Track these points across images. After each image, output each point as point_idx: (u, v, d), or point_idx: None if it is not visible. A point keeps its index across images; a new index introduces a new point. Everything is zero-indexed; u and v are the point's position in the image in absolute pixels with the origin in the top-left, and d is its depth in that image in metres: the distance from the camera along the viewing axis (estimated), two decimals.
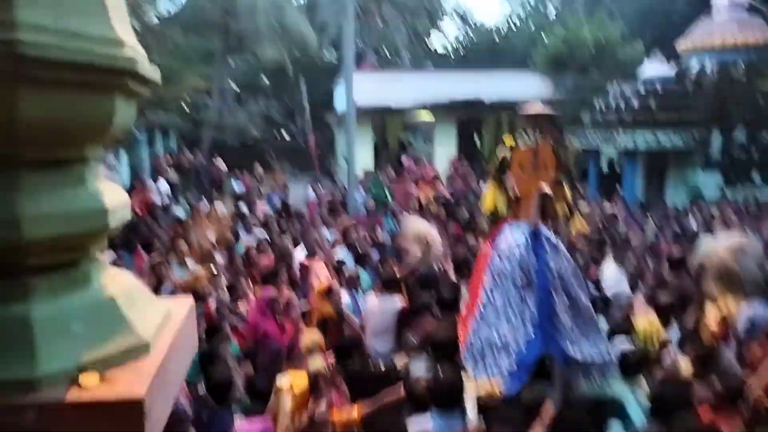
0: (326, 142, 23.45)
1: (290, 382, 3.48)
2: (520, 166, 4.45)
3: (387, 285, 6.06)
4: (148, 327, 1.45)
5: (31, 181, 1.26)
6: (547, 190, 4.36)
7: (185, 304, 1.76)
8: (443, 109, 17.74)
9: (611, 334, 4.69)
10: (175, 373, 1.51)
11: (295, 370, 4.01)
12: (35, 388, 1.20)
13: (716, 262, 5.21)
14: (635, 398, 3.85)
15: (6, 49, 1.11)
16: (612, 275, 6.62)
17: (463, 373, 3.86)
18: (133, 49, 1.36)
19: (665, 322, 5.05)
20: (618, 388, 3.93)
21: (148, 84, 1.45)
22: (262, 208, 13.01)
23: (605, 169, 14.67)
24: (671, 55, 13.53)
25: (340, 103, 20.11)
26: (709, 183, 11.92)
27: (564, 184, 4.67)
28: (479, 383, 3.86)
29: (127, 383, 1.26)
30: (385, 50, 27.04)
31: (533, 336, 3.87)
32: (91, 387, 1.23)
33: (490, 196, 4.75)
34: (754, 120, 11.78)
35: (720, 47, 12.39)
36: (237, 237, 8.61)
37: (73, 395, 1.20)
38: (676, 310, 5.16)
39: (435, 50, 29.69)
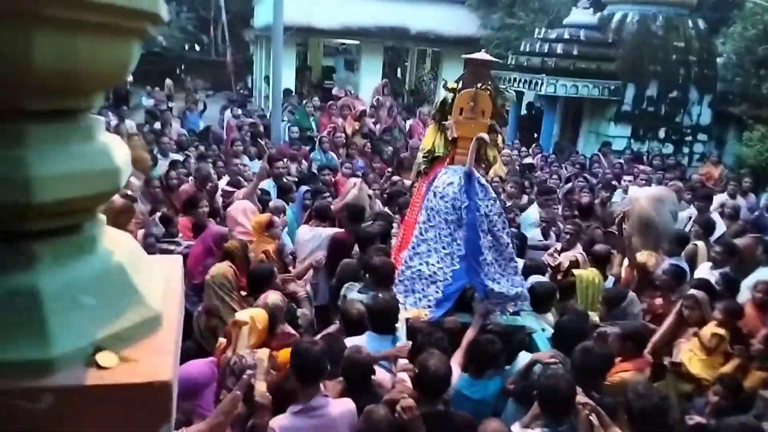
0: (243, 61, 22.33)
1: (251, 315, 3.39)
2: (459, 111, 4.61)
3: (320, 216, 5.99)
4: (155, 295, 1.33)
5: (38, 136, 1.08)
6: (484, 136, 4.47)
7: (175, 264, 1.64)
8: (369, 36, 17.30)
9: (527, 272, 5.00)
10: (180, 344, 1.41)
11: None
12: (50, 371, 1.08)
13: (637, 211, 5.47)
14: (542, 330, 4.30)
15: None
16: (533, 218, 6.93)
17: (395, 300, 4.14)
18: None
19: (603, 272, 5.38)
20: (528, 320, 4.37)
21: (159, 24, 1.27)
22: (177, 128, 12.32)
23: (524, 113, 15.07)
24: (596, 2, 13.79)
25: (260, 18, 19.05)
26: (619, 135, 12.55)
27: (498, 130, 4.83)
28: (409, 309, 4.19)
29: (150, 364, 1.16)
30: None
31: (459, 268, 4.22)
32: (110, 368, 1.13)
33: (429, 136, 4.89)
34: (665, 76, 12.40)
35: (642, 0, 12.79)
36: (154, 161, 8.07)
37: (93, 378, 1.10)
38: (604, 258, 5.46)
39: None
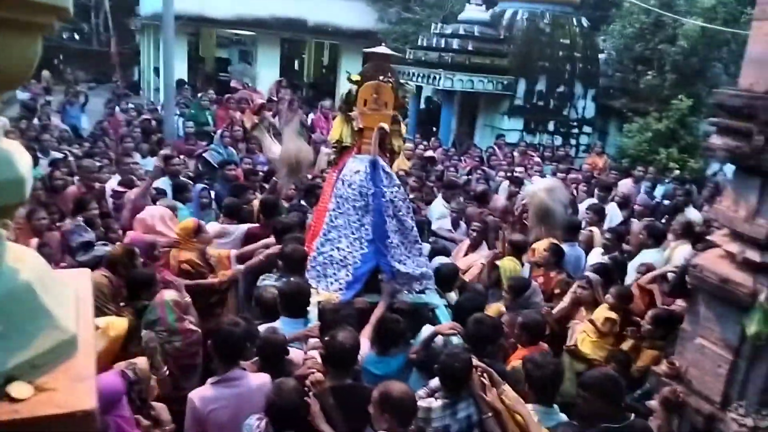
0: (128, 51, 21.08)
1: (106, 322, 3.22)
2: (363, 102, 4.77)
3: (230, 214, 5.81)
4: (68, 316, 1.22)
5: None
6: (386, 126, 4.62)
7: (83, 278, 1.52)
8: (266, 27, 16.91)
9: (432, 254, 5.36)
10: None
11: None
12: None
13: (536, 203, 5.79)
14: (445, 305, 4.61)
15: None
16: (439, 211, 7.12)
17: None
18: None
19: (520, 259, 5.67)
20: (433, 298, 4.64)
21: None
22: (57, 123, 11.46)
23: (423, 107, 15.34)
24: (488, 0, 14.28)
25: (146, 6, 18.08)
26: (512, 128, 13.11)
27: (400, 120, 5.01)
28: (321, 293, 4.36)
29: (69, 392, 1.06)
30: None
31: (367, 251, 4.44)
32: (25, 399, 1.02)
33: (337, 127, 5.01)
34: (553, 71, 13.08)
35: None
36: (35, 159, 7.41)
37: (5, 412, 0.99)
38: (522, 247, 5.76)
39: None
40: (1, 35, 0.97)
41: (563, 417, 3.26)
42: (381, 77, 4.71)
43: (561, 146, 12.90)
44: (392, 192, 4.51)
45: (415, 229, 4.65)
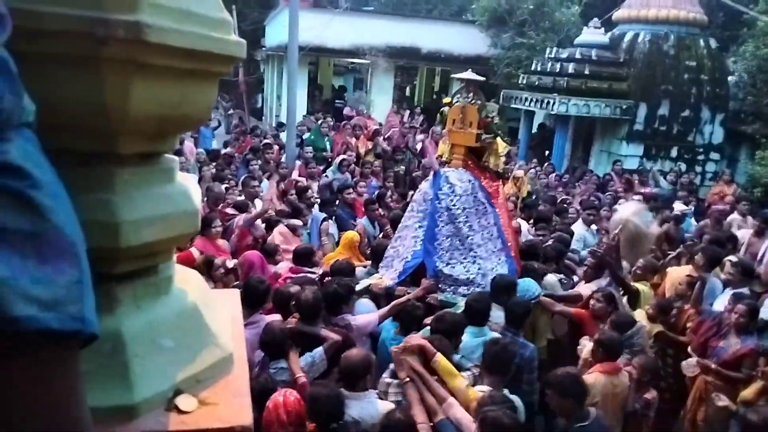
0: (253, 80, 22.44)
1: None
2: (452, 122, 5.24)
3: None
4: (225, 334, 1.33)
5: (124, 179, 1.09)
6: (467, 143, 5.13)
7: (235, 298, 1.64)
8: (380, 55, 17.41)
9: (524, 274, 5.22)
10: None
11: None
12: (133, 416, 1.07)
13: (631, 228, 5.76)
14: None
15: (130, 34, 0.92)
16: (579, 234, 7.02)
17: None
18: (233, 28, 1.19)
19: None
20: (461, 301, 4.72)
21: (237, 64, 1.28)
22: (190, 146, 12.33)
23: (537, 132, 15.05)
24: (607, 22, 13.85)
25: (271, 38, 19.21)
26: (631, 154, 12.53)
27: (498, 139, 5.43)
28: (373, 277, 4.99)
29: (229, 407, 1.15)
30: None
31: (419, 249, 4.93)
32: (191, 411, 1.12)
33: (441, 144, 5.67)
34: (677, 95, 12.40)
35: (653, 19, 12.79)
36: None
37: (175, 423, 1.09)
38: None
39: None
40: (191, 84, 1.09)
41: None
42: (468, 99, 5.19)
43: (685, 173, 12.17)
44: (451, 200, 4.94)
45: (475, 238, 4.94)
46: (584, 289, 5.18)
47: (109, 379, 1.07)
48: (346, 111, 12.57)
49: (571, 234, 6.78)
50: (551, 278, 5.26)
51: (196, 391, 1.16)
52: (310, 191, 7.53)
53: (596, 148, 13.27)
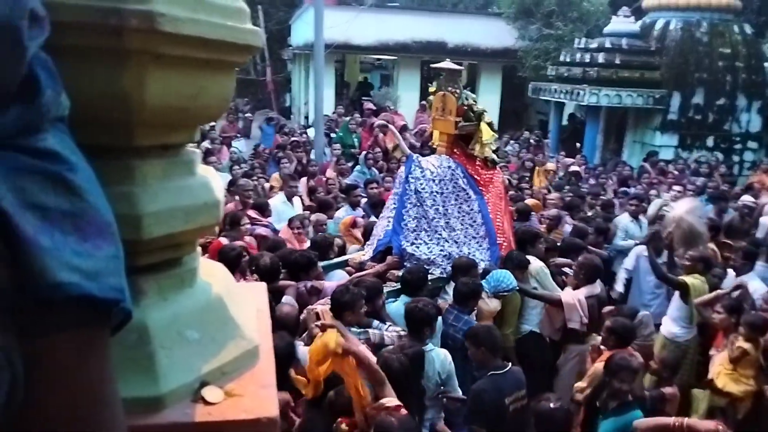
0: (281, 79, 22.58)
1: None
2: (435, 110, 5.49)
3: None
4: (251, 327, 1.33)
5: (145, 172, 1.09)
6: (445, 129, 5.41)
7: (261, 291, 1.64)
8: (407, 51, 17.36)
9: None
10: None
11: None
12: (160, 407, 1.07)
13: (685, 226, 5.65)
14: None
15: (144, 24, 0.92)
16: (623, 226, 6.89)
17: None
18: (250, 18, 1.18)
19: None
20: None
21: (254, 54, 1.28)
22: (224, 149, 12.44)
23: (568, 124, 14.82)
24: (637, 10, 13.57)
25: (297, 36, 19.30)
26: (665, 144, 12.27)
27: (483, 126, 5.47)
28: (359, 254, 5.41)
29: (255, 399, 1.15)
30: None
31: (389, 229, 5.23)
32: (217, 403, 1.12)
33: (435, 132, 5.83)
34: (712, 83, 12.09)
35: (684, 6, 12.48)
36: None
37: (201, 414, 1.09)
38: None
39: None
40: (208, 75, 1.09)
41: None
42: (449, 89, 5.37)
43: (722, 163, 11.85)
44: (420, 183, 5.16)
45: (442, 220, 5.18)
46: (567, 294, 4.93)
47: (135, 370, 1.07)
48: (366, 105, 12.55)
49: (602, 228, 6.63)
50: (536, 265, 5.20)
51: (222, 383, 1.16)
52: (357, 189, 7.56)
53: (629, 139, 13.04)
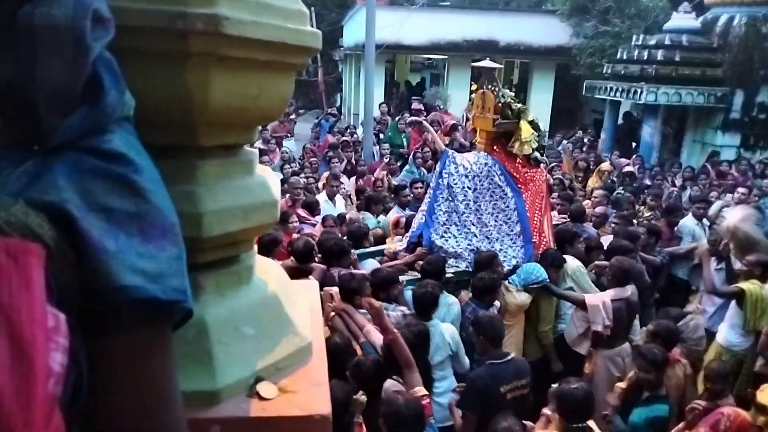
0: (332, 79, 22.82)
1: None
2: (476, 107, 5.59)
3: None
4: (304, 324, 1.35)
5: (206, 171, 1.12)
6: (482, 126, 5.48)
7: (314, 288, 1.66)
8: (458, 50, 17.23)
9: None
10: None
11: None
12: (216, 401, 1.10)
13: (740, 236, 5.45)
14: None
15: (209, 27, 0.94)
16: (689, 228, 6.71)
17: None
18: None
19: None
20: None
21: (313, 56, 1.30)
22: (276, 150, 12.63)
23: (623, 123, 14.41)
24: (698, 6, 13.09)
25: (348, 37, 19.43)
26: (728, 144, 11.80)
27: (524, 124, 5.40)
28: (396, 245, 5.60)
29: (308, 395, 1.16)
30: None
31: (422, 221, 5.34)
32: (271, 399, 1.14)
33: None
34: None
35: (750, 1, 11.97)
36: None
37: (256, 409, 1.11)
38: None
39: None
40: (268, 77, 1.11)
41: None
42: (487, 86, 5.46)
43: None
44: (453, 179, 5.24)
45: (472, 216, 5.25)
46: (592, 296, 4.78)
47: (193, 364, 1.10)
48: (414, 105, 12.51)
49: (654, 230, 6.42)
50: (572, 264, 5.14)
51: (276, 379, 1.18)
52: (406, 189, 7.57)
53: (689, 139, 12.58)
